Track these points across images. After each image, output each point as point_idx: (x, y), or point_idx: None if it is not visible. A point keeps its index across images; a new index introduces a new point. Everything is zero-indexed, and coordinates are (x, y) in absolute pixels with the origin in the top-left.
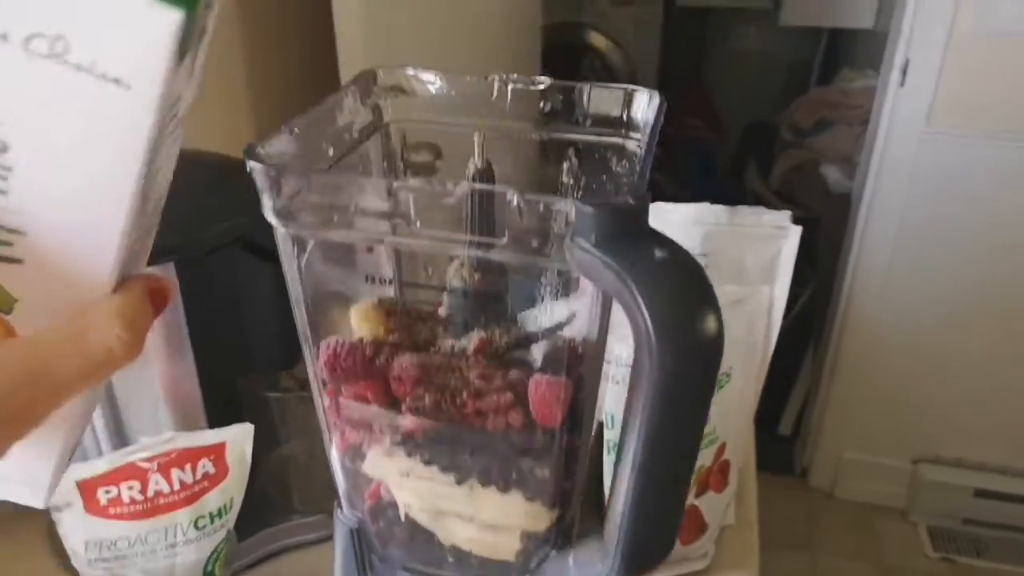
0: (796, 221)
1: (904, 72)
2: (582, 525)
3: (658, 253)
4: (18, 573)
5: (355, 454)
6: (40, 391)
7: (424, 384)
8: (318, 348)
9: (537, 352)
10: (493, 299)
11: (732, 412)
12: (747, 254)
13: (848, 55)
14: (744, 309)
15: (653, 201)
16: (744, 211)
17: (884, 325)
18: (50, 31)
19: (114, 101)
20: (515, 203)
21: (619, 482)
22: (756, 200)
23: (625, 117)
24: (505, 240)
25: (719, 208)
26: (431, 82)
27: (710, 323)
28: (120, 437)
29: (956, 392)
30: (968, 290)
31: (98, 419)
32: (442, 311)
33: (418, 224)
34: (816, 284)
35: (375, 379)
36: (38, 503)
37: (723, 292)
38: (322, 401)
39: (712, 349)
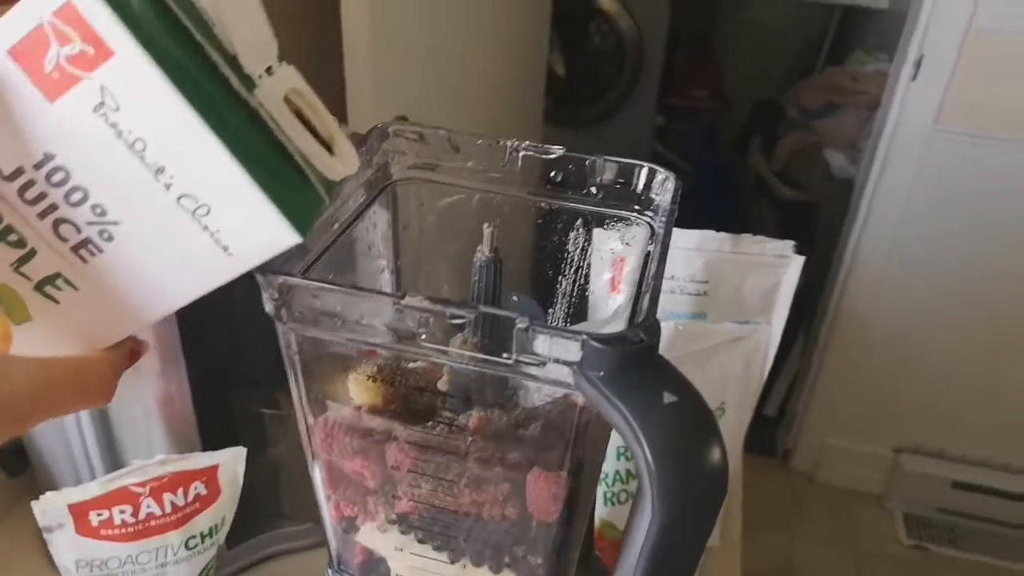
0: (796, 204)
1: (917, 67)
2: None
3: (666, 397)
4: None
5: (349, 526)
6: (37, 409)
7: (421, 469)
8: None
9: (536, 432)
10: (495, 378)
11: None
12: (747, 282)
13: (862, 34)
14: (743, 346)
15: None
16: (747, 240)
17: (877, 315)
18: (202, 199)
19: (217, 258)
20: (525, 328)
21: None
22: (757, 179)
23: (639, 191)
24: (512, 359)
25: (722, 236)
26: (443, 141)
27: (713, 469)
28: (112, 452)
29: (943, 385)
30: (962, 287)
31: (90, 435)
32: (442, 385)
33: (423, 337)
34: (812, 268)
35: (372, 456)
36: None
37: (723, 330)
38: (318, 472)
39: (712, 493)
